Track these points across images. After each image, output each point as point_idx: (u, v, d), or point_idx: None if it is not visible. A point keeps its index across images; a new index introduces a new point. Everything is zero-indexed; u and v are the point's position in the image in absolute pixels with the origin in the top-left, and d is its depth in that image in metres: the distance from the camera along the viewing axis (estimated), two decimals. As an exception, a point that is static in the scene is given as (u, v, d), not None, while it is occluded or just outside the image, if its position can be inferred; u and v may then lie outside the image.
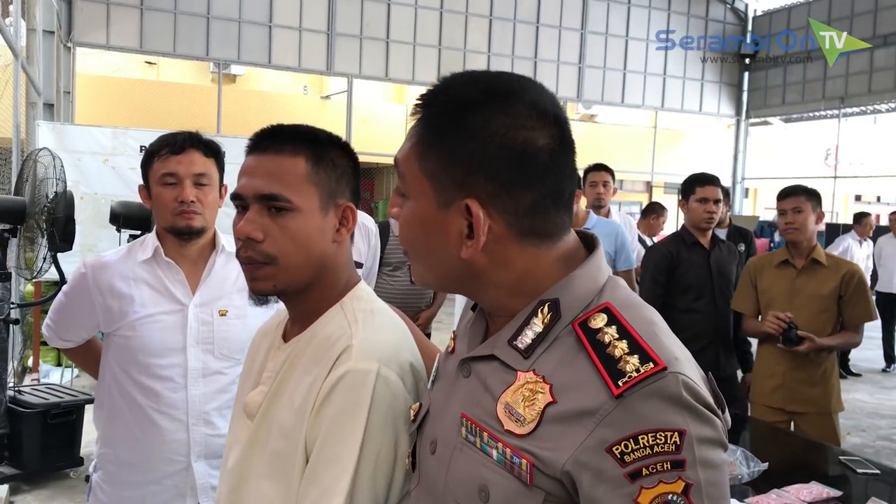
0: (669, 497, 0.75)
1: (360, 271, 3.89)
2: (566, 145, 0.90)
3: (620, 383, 0.78)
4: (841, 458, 2.64)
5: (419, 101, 0.94)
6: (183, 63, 15.35)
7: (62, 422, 4.51)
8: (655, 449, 0.76)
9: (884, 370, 9.09)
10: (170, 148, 1.89)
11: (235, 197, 1.21)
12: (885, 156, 20.64)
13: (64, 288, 2.05)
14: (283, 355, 1.23)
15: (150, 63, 16.16)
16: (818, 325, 3.37)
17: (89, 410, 4.68)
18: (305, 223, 1.18)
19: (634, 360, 0.79)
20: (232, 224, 1.21)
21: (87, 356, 2.15)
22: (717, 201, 3.70)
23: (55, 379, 6.36)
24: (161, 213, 1.92)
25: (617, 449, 0.77)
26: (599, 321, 0.84)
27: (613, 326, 0.83)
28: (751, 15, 17.80)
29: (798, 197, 3.53)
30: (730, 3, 17.50)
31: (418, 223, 0.92)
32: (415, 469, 1.04)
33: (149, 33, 12.81)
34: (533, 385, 0.84)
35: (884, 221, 19.02)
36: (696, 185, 3.72)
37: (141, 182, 2.00)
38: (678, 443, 0.76)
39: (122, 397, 1.93)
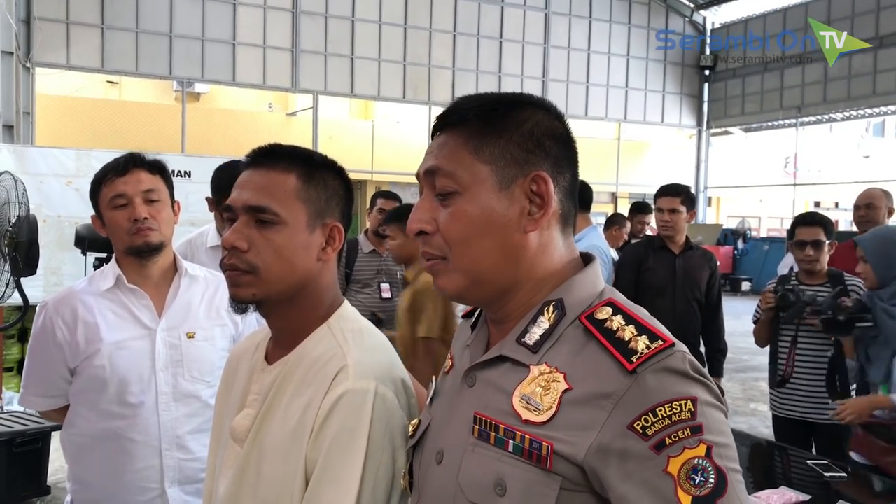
0: (696, 462, 0.78)
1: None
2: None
3: (633, 359, 0.82)
4: (809, 461, 2.69)
5: (449, 114, 0.99)
6: (146, 82, 15.22)
7: (28, 450, 4.40)
8: (674, 418, 0.79)
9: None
10: (114, 171, 1.89)
11: (226, 209, 1.23)
12: (842, 163, 21.17)
13: (30, 341, 2.01)
14: (269, 378, 1.22)
15: (111, 82, 15.97)
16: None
17: (56, 437, 4.57)
18: (291, 238, 1.19)
19: (644, 339, 0.85)
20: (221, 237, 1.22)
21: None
22: (671, 210, 3.87)
23: (19, 406, 6.22)
24: (117, 237, 1.91)
25: (638, 425, 0.80)
26: (605, 313, 0.89)
27: (619, 315, 0.88)
28: (709, 27, 18.18)
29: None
30: (688, 16, 17.86)
31: (478, 211, 0.94)
32: (412, 488, 1.05)
33: (110, 52, 12.68)
34: (547, 376, 0.88)
35: (843, 227, 19.51)
36: (656, 197, 3.96)
37: (91, 215, 1.99)
38: (693, 409, 0.80)
39: (91, 431, 1.89)
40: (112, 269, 1.95)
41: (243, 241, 1.17)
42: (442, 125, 1.00)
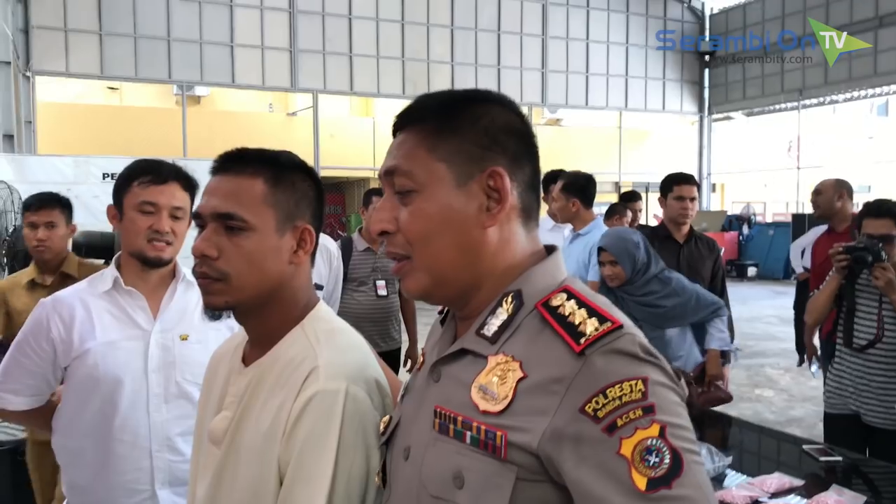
0: (649, 442, 0.77)
1: (319, 293, 3.81)
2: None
3: (582, 341, 0.83)
4: (804, 447, 2.69)
5: (407, 113, 1.00)
6: (146, 87, 15.26)
7: (34, 457, 4.43)
8: (624, 399, 0.79)
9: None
10: (153, 177, 1.90)
11: (196, 216, 1.23)
12: (846, 145, 21.04)
13: (20, 335, 2.01)
14: (245, 379, 1.24)
15: (112, 88, 16.04)
16: None
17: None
18: (260, 243, 1.20)
19: (593, 321, 0.85)
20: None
21: (45, 418, 2.03)
22: (692, 199, 3.95)
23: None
24: (131, 238, 1.92)
25: (589, 407, 0.79)
26: (560, 299, 0.90)
27: (572, 300, 0.89)
28: (707, 13, 18.08)
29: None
30: (686, 2, 17.76)
31: (435, 209, 0.95)
32: (385, 485, 1.05)
33: (109, 59, 12.72)
34: (504, 365, 0.88)
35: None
36: (673, 184, 3.96)
37: (108, 204, 1.99)
38: (643, 390, 0.79)
39: (82, 432, 1.91)
40: (111, 272, 1.97)
41: (213, 249, 1.18)
42: (401, 125, 1.00)
